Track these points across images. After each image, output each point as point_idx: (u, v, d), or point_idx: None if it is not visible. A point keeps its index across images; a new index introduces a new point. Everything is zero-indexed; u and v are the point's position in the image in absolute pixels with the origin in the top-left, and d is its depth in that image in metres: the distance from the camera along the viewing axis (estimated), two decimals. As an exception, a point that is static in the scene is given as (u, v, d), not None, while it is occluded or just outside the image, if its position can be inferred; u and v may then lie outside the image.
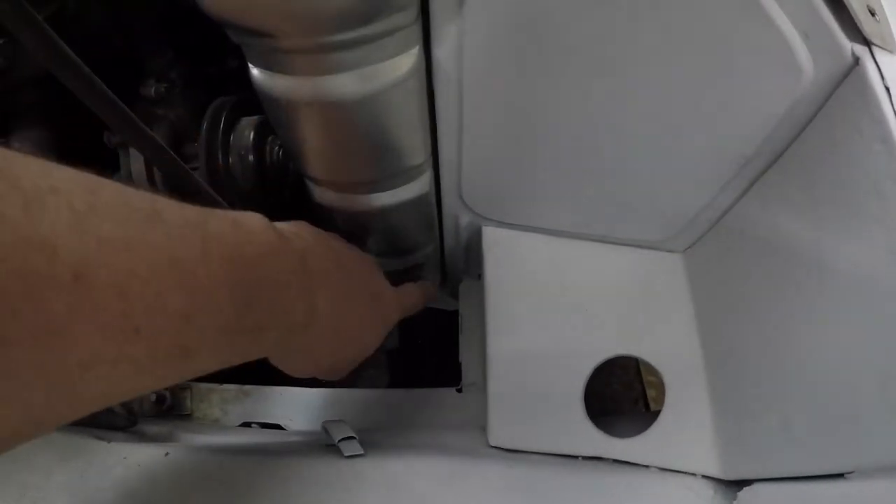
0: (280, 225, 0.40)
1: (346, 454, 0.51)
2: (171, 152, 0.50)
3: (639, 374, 1.15)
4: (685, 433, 0.55)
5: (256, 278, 0.34)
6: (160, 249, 0.28)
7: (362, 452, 0.51)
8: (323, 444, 0.54)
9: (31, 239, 0.22)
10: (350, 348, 0.51)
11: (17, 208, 0.22)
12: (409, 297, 0.61)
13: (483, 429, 0.60)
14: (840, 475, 0.41)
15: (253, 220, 0.37)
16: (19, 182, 0.22)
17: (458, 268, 0.77)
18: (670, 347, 0.58)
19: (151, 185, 0.56)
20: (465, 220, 0.64)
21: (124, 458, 0.52)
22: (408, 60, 0.41)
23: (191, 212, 0.31)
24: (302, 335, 0.42)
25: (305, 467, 0.50)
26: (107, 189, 0.26)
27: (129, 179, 0.56)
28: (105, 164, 0.59)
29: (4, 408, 0.22)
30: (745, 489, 0.49)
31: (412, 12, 0.38)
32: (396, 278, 0.71)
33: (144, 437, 0.58)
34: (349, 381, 0.61)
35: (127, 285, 0.26)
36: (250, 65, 0.42)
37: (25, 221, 0.22)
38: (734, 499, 0.49)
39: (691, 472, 0.53)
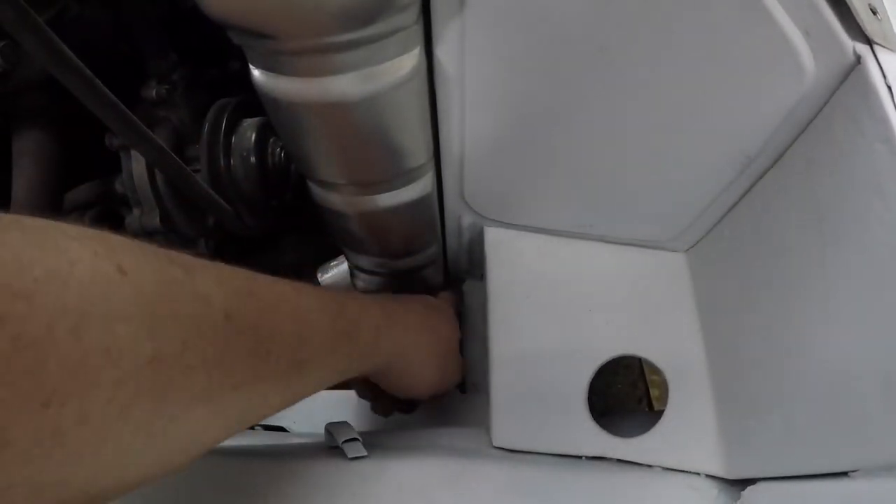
0: None
1: (350, 456, 0.51)
2: (173, 154, 0.50)
3: (642, 374, 1.15)
4: (689, 432, 0.54)
5: (338, 297, 0.44)
6: (269, 290, 0.36)
7: (366, 454, 0.51)
8: (326, 446, 0.54)
9: (196, 292, 0.29)
10: (440, 333, 0.60)
11: (184, 275, 0.29)
12: (451, 298, 0.71)
13: (487, 429, 0.60)
14: (844, 474, 0.41)
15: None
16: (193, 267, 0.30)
17: (461, 268, 0.77)
18: (673, 347, 0.58)
19: (153, 187, 0.56)
20: (467, 220, 0.64)
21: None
22: (409, 61, 0.41)
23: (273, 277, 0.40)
24: (389, 332, 0.51)
25: (309, 469, 0.50)
26: (219, 263, 0.34)
27: (130, 181, 0.56)
28: (107, 166, 0.59)
29: (175, 428, 0.28)
30: (749, 488, 0.48)
31: (413, 13, 0.38)
32: (400, 279, 0.71)
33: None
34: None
35: (257, 321, 0.33)
36: (251, 66, 0.42)
37: (190, 283, 0.29)
38: (738, 498, 0.49)
39: (695, 471, 0.53)
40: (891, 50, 0.41)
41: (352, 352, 0.45)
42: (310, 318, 0.39)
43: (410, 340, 0.55)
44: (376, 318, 0.49)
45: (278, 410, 0.39)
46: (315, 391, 0.42)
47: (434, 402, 0.65)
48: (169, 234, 0.59)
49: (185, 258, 0.30)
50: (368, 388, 0.60)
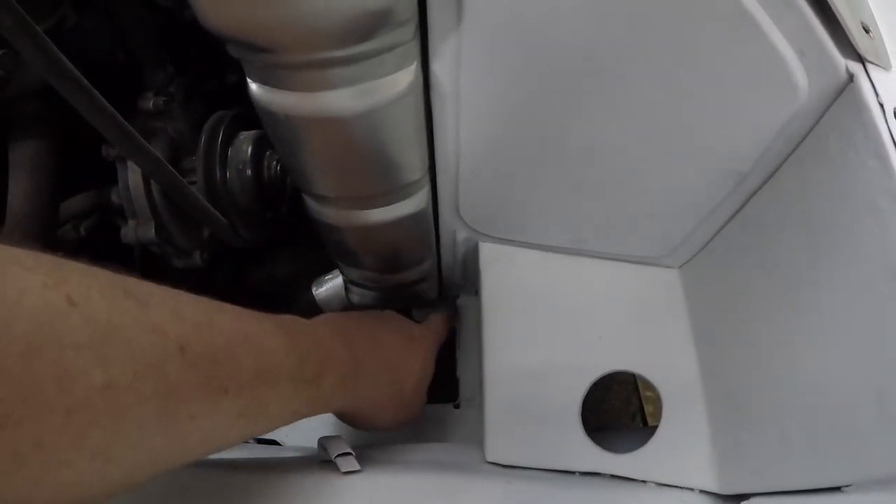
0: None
1: (343, 470, 0.50)
2: (169, 166, 0.50)
3: (636, 390, 1.15)
4: (682, 448, 0.54)
5: (305, 341, 0.44)
6: (231, 324, 0.36)
7: (359, 468, 0.51)
8: (320, 460, 0.54)
9: (149, 323, 0.29)
10: (405, 383, 0.59)
11: (137, 307, 0.29)
12: (439, 324, 0.69)
13: (480, 444, 0.59)
14: (837, 489, 0.41)
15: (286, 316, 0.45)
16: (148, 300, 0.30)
17: (456, 284, 0.77)
18: (667, 363, 0.58)
19: (149, 198, 0.57)
20: (462, 235, 0.64)
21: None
22: (406, 76, 0.41)
23: (240, 309, 0.40)
24: (354, 383, 0.50)
25: (302, 483, 0.49)
26: (182, 294, 0.34)
27: (126, 192, 0.56)
28: (103, 176, 0.59)
29: (134, 453, 0.28)
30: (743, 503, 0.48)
31: (411, 28, 0.39)
32: (395, 294, 0.71)
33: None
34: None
35: (214, 354, 0.33)
36: (249, 79, 0.42)
37: (144, 315, 0.29)
38: (732, 514, 0.49)
39: (689, 486, 0.53)
40: (883, 68, 0.41)
41: (314, 397, 0.45)
42: (273, 359, 0.39)
43: (375, 390, 0.55)
44: (342, 366, 0.49)
45: (242, 441, 0.39)
46: (276, 427, 0.43)
47: (426, 406, 0.65)
48: (164, 246, 0.59)
49: (143, 289, 0.31)
50: None
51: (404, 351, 0.59)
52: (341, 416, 0.57)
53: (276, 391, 0.39)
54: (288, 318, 0.44)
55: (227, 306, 0.38)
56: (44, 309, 0.24)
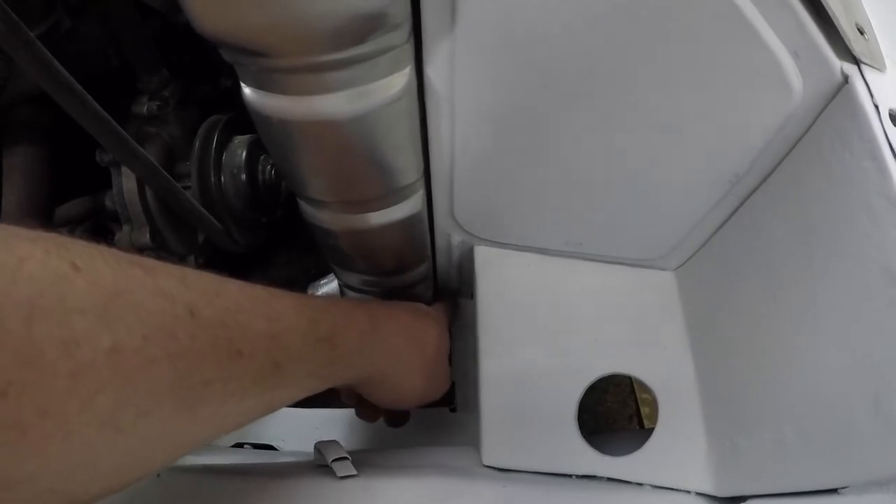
0: None
1: (340, 475, 0.50)
2: (163, 171, 0.50)
3: (633, 392, 1.15)
4: (679, 450, 0.54)
5: (316, 302, 0.43)
6: (239, 292, 0.36)
7: (356, 473, 0.51)
8: (316, 465, 0.54)
9: (156, 288, 0.29)
10: (426, 347, 0.57)
11: (144, 274, 0.29)
12: (446, 308, 0.69)
13: (477, 448, 0.59)
14: (834, 490, 0.41)
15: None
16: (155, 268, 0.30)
17: (451, 287, 0.76)
18: (663, 365, 0.58)
19: (143, 203, 0.56)
20: (457, 239, 0.64)
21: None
22: (400, 80, 0.41)
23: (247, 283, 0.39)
24: (374, 341, 0.49)
25: (298, 488, 0.49)
26: (188, 268, 0.33)
27: (120, 197, 0.56)
28: (97, 182, 0.59)
29: (145, 424, 0.27)
30: (740, 506, 0.48)
31: (404, 32, 0.39)
32: (390, 297, 0.71)
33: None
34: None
35: (224, 318, 0.33)
36: (242, 83, 0.42)
37: (151, 281, 0.29)
38: (728, 516, 0.49)
39: (685, 489, 0.53)
40: (878, 69, 0.41)
41: (332, 358, 0.44)
42: (285, 319, 0.38)
43: (396, 348, 0.53)
44: (360, 323, 0.48)
45: (257, 415, 0.38)
46: (295, 398, 0.42)
47: (422, 411, 0.64)
48: (159, 251, 0.59)
49: (147, 261, 0.30)
50: (353, 391, 0.59)
51: (420, 320, 0.58)
52: (365, 385, 0.54)
53: (291, 351, 0.39)
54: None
55: (232, 279, 0.37)
56: (47, 274, 0.24)
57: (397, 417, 0.69)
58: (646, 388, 0.58)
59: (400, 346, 0.53)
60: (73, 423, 0.24)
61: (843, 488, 0.40)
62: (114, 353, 0.25)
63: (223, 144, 0.61)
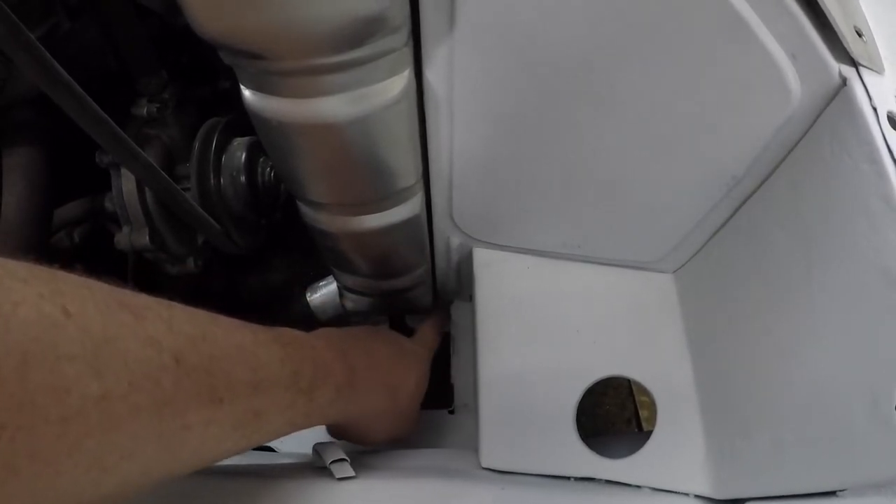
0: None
1: (338, 476, 0.50)
2: (163, 172, 0.50)
3: (631, 394, 1.15)
4: (677, 453, 0.54)
5: (300, 352, 0.44)
6: (226, 338, 0.36)
7: (354, 475, 0.51)
8: (314, 467, 0.54)
9: (144, 336, 0.30)
10: (400, 396, 0.59)
11: (133, 319, 0.30)
12: (429, 335, 0.70)
13: (475, 450, 0.59)
14: (832, 493, 0.41)
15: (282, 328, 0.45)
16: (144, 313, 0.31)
17: (450, 289, 0.76)
18: (661, 367, 0.58)
19: (142, 205, 0.56)
20: (455, 241, 0.64)
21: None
22: (399, 82, 0.41)
23: (236, 321, 0.39)
24: (350, 394, 0.50)
25: (296, 489, 0.49)
26: (177, 306, 0.34)
27: (119, 198, 0.56)
28: (96, 183, 0.59)
29: (129, 463, 0.28)
30: (738, 509, 0.48)
31: (403, 35, 0.39)
32: (389, 300, 0.71)
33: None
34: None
35: (209, 365, 0.33)
36: (242, 86, 0.42)
37: (139, 327, 0.30)
38: (727, 518, 0.49)
39: (683, 491, 0.53)
40: (876, 72, 0.42)
41: (309, 410, 0.45)
42: (268, 370, 0.39)
43: (369, 402, 0.55)
44: (338, 376, 0.49)
45: (234, 454, 0.39)
46: (270, 441, 0.43)
47: (421, 412, 0.65)
48: (158, 252, 0.59)
49: (138, 301, 0.31)
50: None
51: (399, 366, 0.59)
52: (335, 429, 0.57)
53: (271, 402, 0.40)
54: (283, 331, 0.44)
55: (222, 318, 0.37)
56: (39, 320, 0.25)
57: None
58: (644, 391, 0.58)
59: (372, 400, 0.55)
60: (62, 465, 0.25)
61: (841, 490, 0.40)
62: (102, 400, 0.26)
63: (222, 146, 0.61)
